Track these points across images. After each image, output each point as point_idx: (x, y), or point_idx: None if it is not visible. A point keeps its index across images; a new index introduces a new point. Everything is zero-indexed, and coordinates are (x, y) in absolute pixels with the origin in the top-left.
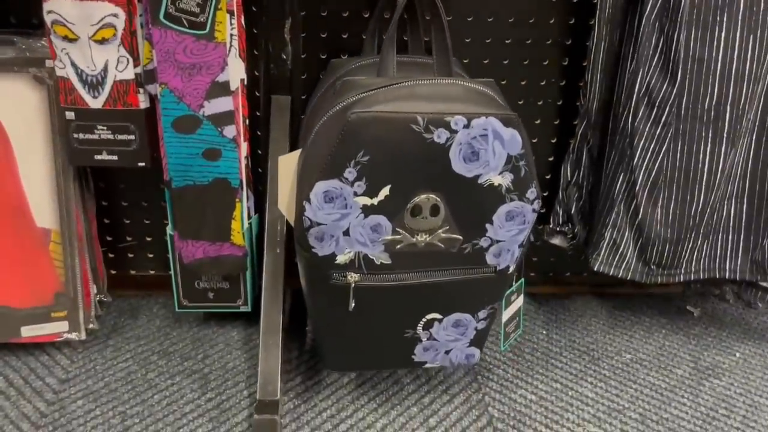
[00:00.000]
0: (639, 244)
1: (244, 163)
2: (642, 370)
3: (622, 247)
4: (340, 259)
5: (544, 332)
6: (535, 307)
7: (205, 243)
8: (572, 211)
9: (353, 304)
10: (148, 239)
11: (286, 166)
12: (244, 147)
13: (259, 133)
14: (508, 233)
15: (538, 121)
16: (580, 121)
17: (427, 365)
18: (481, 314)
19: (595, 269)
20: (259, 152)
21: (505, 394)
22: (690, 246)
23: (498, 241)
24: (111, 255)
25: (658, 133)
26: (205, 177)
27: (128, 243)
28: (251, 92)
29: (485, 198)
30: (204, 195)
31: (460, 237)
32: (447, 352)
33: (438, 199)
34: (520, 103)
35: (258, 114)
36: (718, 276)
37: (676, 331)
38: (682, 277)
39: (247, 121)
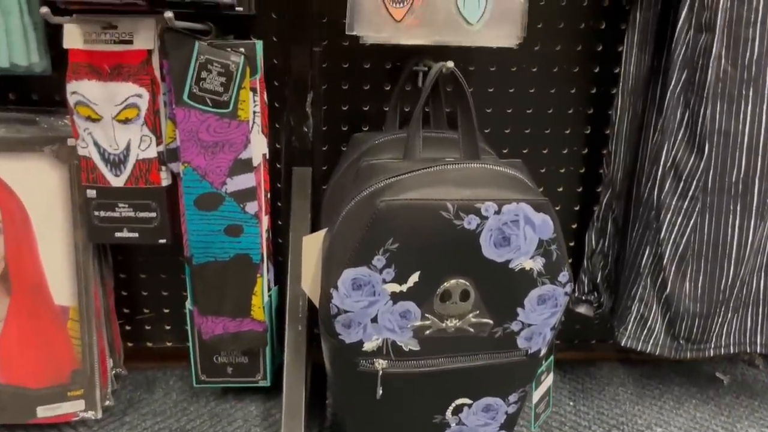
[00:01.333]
0: (667, 318)
1: (265, 236)
2: None
3: (649, 322)
4: (368, 346)
5: (571, 403)
6: (561, 375)
7: (226, 319)
8: (598, 280)
9: (381, 392)
10: (166, 311)
11: (311, 246)
12: (265, 221)
13: (279, 204)
14: (539, 317)
15: (560, 189)
16: (604, 190)
17: None
18: (512, 398)
19: (623, 344)
20: (280, 223)
21: None
22: (719, 320)
23: (529, 325)
24: (128, 327)
25: (685, 206)
26: (227, 253)
27: (146, 315)
28: (272, 164)
29: (516, 282)
30: (225, 271)
31: (491, 321)
32: None
33: (468, 284)
34: (543, 171)
35: (279, 185)
36: (748, 350)
37: (706, 401)
38: (711, 351)
39: (269, 194)
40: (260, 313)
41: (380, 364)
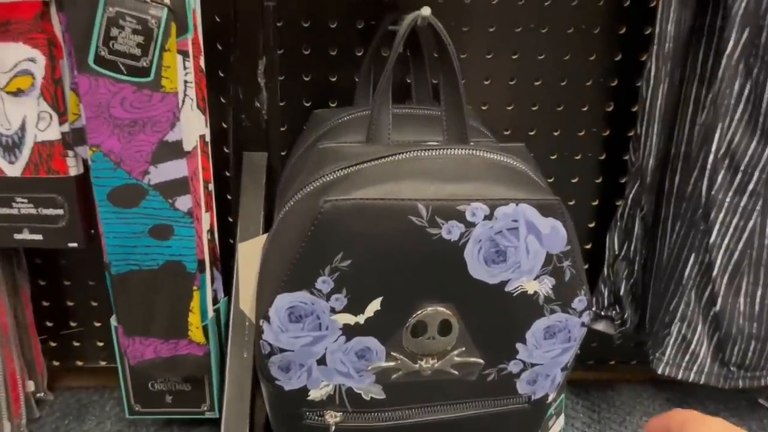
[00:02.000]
0: (715, 340)
1: (205, 239)
2: None
3: (693, 345)
4: (315, 394)
5: None
6: (572, 401)
7: (157, 341)
8: (621, 292)
9: None
10: (97, 324)
11: (249, 254)
12: (206, 219)
13: (229, 198)
14: (546, 354)
15: (575, 180)
16: (630, 182)
17: None
18: None
19: (660, 372)
20: (230, 220)
21: None
22: None
23: (533, 365)
24: (52, 343)
25: (743, 204)
26: (154, 260)
27: (72, 330)
28: (218, 149)
29: (515, 310)
30: (153, 282)
31: (481, 361)
32: None
33: (449, 313)
34: (553, 157)
35: (228, 174)
36: None
37: None
38: None
39: (211, 186)
40: (199, 335)
41: (332, 417)
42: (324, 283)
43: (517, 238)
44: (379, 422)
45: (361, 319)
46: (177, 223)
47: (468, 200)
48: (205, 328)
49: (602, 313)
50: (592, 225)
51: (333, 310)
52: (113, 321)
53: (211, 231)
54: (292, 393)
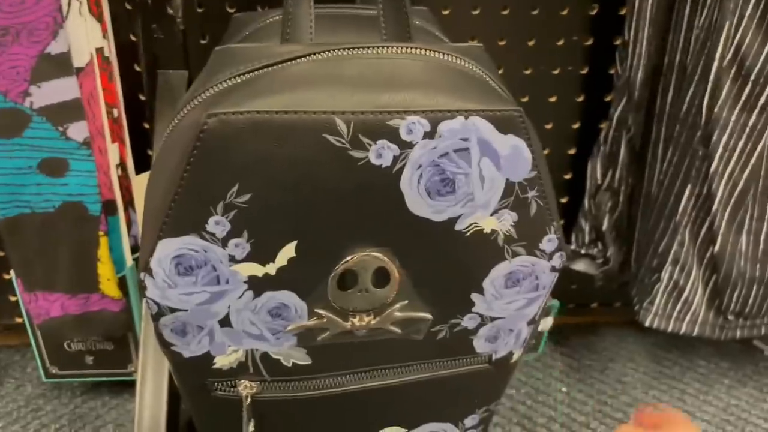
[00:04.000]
0: (711, 285)
1: (114, 175)
2: None
3: (686, 292)
4: (221, 362)
5: (564, 389)
6: (550, 348)
7: (63, 295)
8: (604, 227)
9: (251, 428)
10: (6, 277)
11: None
12: (113, 151)
13: (146, 126)
14: (509, 306)
15: (553, 99)
16: (616, 99)
17: None
18: (470, 421)
19: (647, 324)
20: (149, 153)
21: None
22: None
23: (493, 319)
24: None
25: (752, 123)
26: (48, 201)
27: None
28: (128, 66)
29: (469, 254)
30: (49, 227)
31: (429, 316)
32: None
33: (385, 259)
34: (528, 72)
35: (142, 98)
36: None
37: (743, 381)
38: None
39: (118, 112)
40: (112, 288)
41: (247, 387)
42: (217, 224)
43: (468, 163)
44: (306, 391)
45: (271, 269)
46: (72, 155)
47: (402, 112)
48: (122, 280)
49: (582, 251)
50: (572, 151)
51: (233, 259)
52: (13, 274)
53: (122, 165)
54: (194, 361)
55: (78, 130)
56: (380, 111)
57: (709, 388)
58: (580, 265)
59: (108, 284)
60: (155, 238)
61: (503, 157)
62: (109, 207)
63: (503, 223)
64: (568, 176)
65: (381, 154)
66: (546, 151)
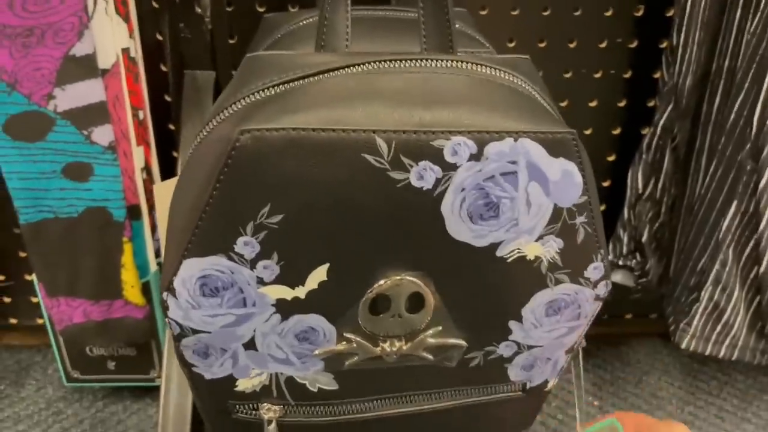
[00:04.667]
0: (755, 308)
1: (139, 179)
2: None
3: (727, 314)
4: (244, 384)
5: (596, 403)
6: (583, 357)
7: (85, 301)
8: (644, 238)
9: None
10: (28, 278)
11: (166, 197)
12: (138, 155)
13: (172, 128)
14: (548, 335)
15: (594, 104)
16: (661, 106)
17: None
18: None
19: (684, 346)
20: (175, 155)
21: None
22: None
23: (530, 347)
24: None
25: None
26: (72, 207)
27: (2, 284)
28: (153, 67)
29: (509, 280)
30: (72, 233)
31: (463, 343)
32: None
33: (421, 284)
34: (567, 75)
35: (168, 99)
36: None
37: None
38: None
39: (144, 114)
40: (135, 294)
41: (269, 411)
42: (246, 245)
43: (515, 187)
44: (331, 417)
45: (301, 292)
46: (96, 160)
47: (447, 132)
48: (145, 286)
49: (620, 263)
50: (611, 158)
51: (261, 281)
52: (35, 278)
53: (147, 169)
54: (216, 383)
55: (103, 134)
56: (424, 131)
57: (749, 404)
58: (617, 277)
59: (132, 291)
60: (180, 257)
61: (552, 182)
62: (133, 212)
63: (548, 249)
64: (606, 183)
65: (423, 176)
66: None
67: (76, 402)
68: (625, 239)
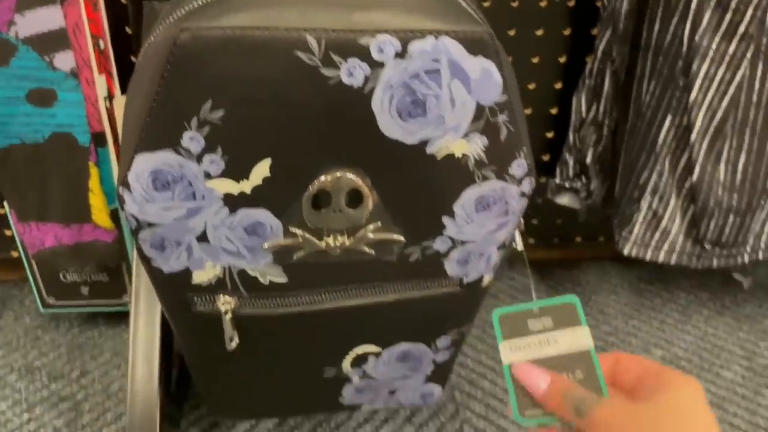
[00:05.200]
0: (689, 215)
1: (103, 107)
2: None
3: (664, 221)
4: (200, 277)
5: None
6: (536, 279)
7: (56, 225)
8: (587, 160)
9: (234, 343)
10: (1, 211)
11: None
12: (101, 83)
13: (134, 60)
14: (480, 229)
15: (540, 32)
16: (601, 31)
17: (365, 407)
18: (442, 342)
19: (626, 252)
20: None
21: (492, 420)
22: (763, 216)
23: (464, 242)
24: None
25: (731, 52)
26: (38, 132)
27: None
28: None
29: (440, 177)
30: (40, 158)
31: (402, 238)
32: (392, 392)
33: (359, 180)
34: (514, 5)
35: (129, 31)
36: None
37: (721, 312)
38: (746, 257)
39: (104, 44)
40: (103, 218)
41: (225, 302)
42: (192, 140)
43: (439, 84)
44: (283, 308)
45: (246, 186)
46: (59, 86)
47: (373, 31)
48: (114, 213)
49: (567, 185)
50: (558, 86)
51: (208, 175)
52: (6, 205)
53: (110, 98)
54: (173, 276)
55: (65, 60)
56: (351, 29)
57: (688, 318)
58: (564, 199)
59: (100, 214)
60: (132, 153)
61: (474, 80)
62: (98, 139)
63: (474, 147)
64: (554, 111)
65: (352, 72)
66: (532, 86)
67: (53, 329)
68: (571, 162)
